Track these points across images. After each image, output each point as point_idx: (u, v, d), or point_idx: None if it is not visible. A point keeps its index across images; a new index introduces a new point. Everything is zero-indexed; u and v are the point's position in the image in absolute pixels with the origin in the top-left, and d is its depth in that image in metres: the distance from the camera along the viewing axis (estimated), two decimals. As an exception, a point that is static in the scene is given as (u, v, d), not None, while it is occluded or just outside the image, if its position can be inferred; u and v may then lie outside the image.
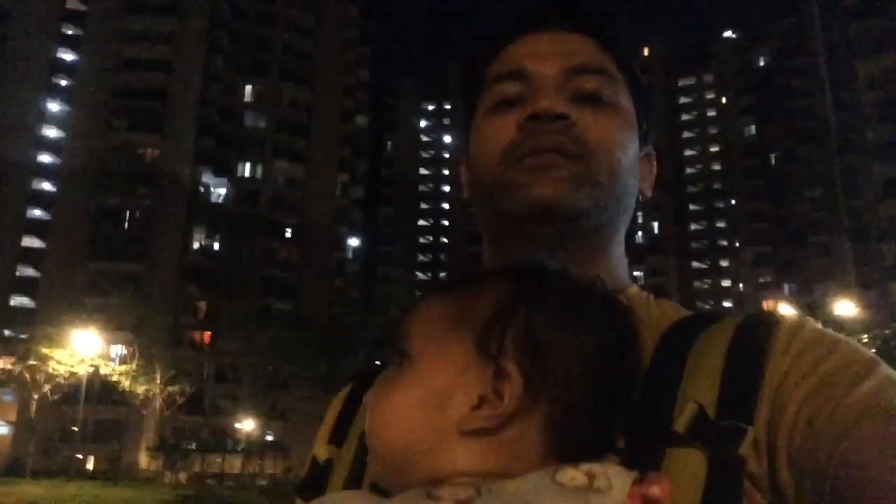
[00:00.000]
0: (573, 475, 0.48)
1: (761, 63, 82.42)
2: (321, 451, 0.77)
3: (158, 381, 38.47)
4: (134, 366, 34.96)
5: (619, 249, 0.79)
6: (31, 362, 33.53)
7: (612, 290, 0.65)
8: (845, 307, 31.74)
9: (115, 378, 34.40)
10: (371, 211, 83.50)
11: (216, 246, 59.86)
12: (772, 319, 0.64)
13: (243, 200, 62.17)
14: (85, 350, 30.92)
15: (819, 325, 0.65)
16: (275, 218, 62.94)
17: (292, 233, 64.05)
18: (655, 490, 0.47)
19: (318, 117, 67.41)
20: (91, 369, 32.59)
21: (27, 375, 34.49)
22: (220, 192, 62.04)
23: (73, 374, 32.03)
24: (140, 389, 36.87)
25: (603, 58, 0.77)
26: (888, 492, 0.49)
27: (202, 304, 55.96)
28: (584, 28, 0.79)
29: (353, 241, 73.65)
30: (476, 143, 0.79)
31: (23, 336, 40.03)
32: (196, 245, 58.51)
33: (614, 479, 0.48)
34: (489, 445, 0.52)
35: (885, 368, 0.58)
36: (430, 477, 0.53)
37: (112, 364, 34.46)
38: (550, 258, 0.62)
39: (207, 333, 55.07)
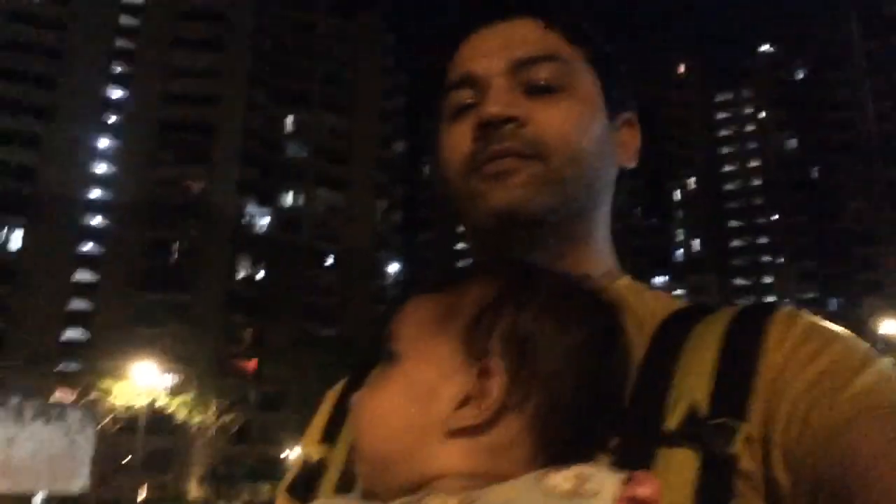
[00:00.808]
0: (562, 478, 0.47)
1: (800, 76, 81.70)
2: (312, 449, 0.76)
3: (213, 411, 39.40)
4: (190, 397, 35.87)
5: (601, 236, 0.78)
6: (93, 395, 34.67)
7: (601, 281, 0.67)
8: (892, 325, 31.29)
9: (171, 409, 35.33)
10: (410, 235, 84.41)
11: (260, 274, 61.18)
12: (766, 311, 0.63)
13: (286, 229, 63.48)
14: (144, 382, 31.93)
15: (815, 317, 0.63)
16: (316, 245, 64.12)
17: (334, 259, 65.16)
18: (643, 491, 0.47)
19: (357, 144, 68.69)
20: (149, 401, 33.60)
21: (88, 408, 35.67)
22: (263, 221, 63.47)
23: (131, 406, 33.04)
24: (196, 419, 37.83)
25: (550, 40, 0.75)
26: (884, 489, 0.49)
27: (248, 332, 57.13)
28: (528, 11, 0.77)
29: (393, 266, 74.51)
30: (440, 154, 0.78)
31: (79, 367, 41.23)
32: (241, 274, 59.89)
33: (603, 481, 0.47)
34: (476, 445, 0.52)
35: (882, 362, 0.57)
36: (417, 478, 0.52)
37: (168, 395, 35.40)
38: (531, 259, 0.63)
39: (253, 361, 56.15)
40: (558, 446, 0.53)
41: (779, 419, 0.56)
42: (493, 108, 0.71)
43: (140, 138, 58.50)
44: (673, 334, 0.64)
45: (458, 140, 0.75)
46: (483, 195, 0.71)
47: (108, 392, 33.88)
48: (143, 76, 60.60)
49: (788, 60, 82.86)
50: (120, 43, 62.13)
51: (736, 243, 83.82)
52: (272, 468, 48.54)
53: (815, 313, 0.60)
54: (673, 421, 0.57)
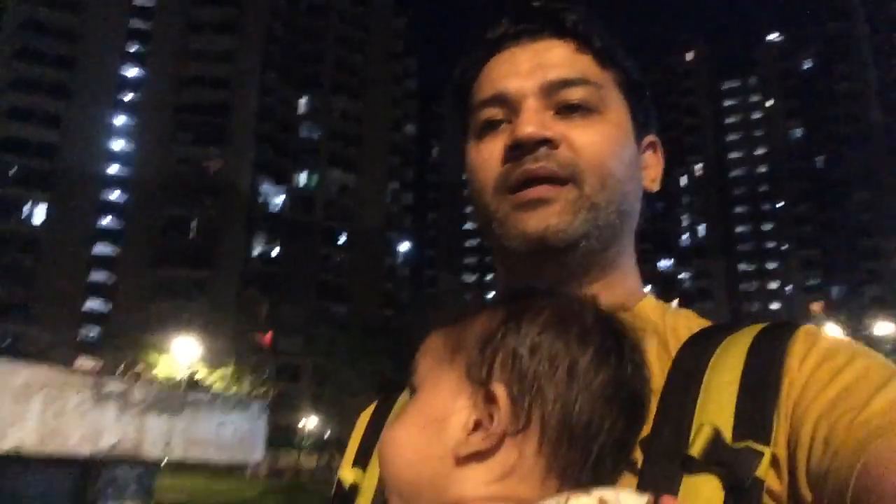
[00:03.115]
0: (584, 503, 0.46)
1: (806, 66, 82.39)
2: (346, 473, 0.75)
3: (247, 383, 40.69)
4: (230, 370, 37.04)
5: (627, 259, 0.77)
6: (138, 369, 35.78)
7: (624, 304, 0.70)
8: (888, 326, 31.18)
9: (210, 381, 36.32)
10: (419, 216, 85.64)
11: (275, 252, 62.54)
12: (788, 330, 0.63)
13: (300, 208, 64.78)
14: (184, 356, 32.75)
15: (836, 336, 0.63)
16: (329, 224, 65.47)
17: (346, 238, 66.51)
18: None
19: (368, 127, 69.83)
20: (188, 373, 34.57)
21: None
22: (278, 200, 64.74)
23: (172, 378, 34.02)
24: (232, 391, 39.21)
25: (582, 63, 0.74)
26: None
27: (263, 308, 58.56)
28: (559, 33, 0.76)
29: (403, 246, 75.79)
30: (469, 172, 0.77)
31: (100, 337, 42.21)
32: (256, 251, 61.24)
33: None
34: (490, 470, 0.52)
35: None
36: None
37: (207, 368, 36.22)
38: (544, 282, 0.63)
39: (269, 335, 57.61)
40: (575, 469, 0.52)
41: (802, 439, 0.55)
42: (528, 128, 0.70)
43: (157, 117, 59.72)
44: (695, 356, 0.63)
45: (488, 158, 0.74)
46: (517, 222, 0.71)
47: (153, 365, 35.03)
48: (160, 57, 61.72)
49: (796, 50, 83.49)
50: (136, 23, 63.17)
51: (741, 229, 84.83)
52: (290, 436, 50.12)
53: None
54: (697, 447, 0.56)
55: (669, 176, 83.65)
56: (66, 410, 4.87)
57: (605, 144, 0.72)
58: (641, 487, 0.55)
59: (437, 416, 0.55)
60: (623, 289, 0.75)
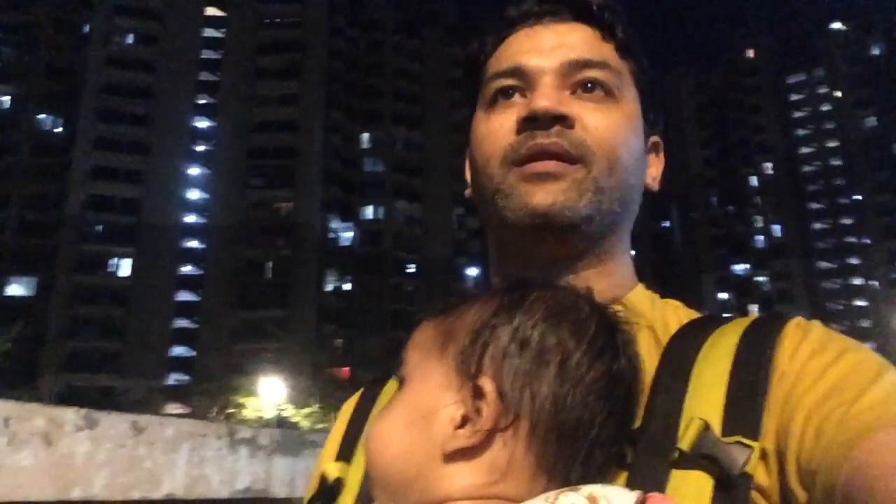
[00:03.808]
0: (574, 501, 0.46)
1: (874, 52, 79.79)
2: (330, 468, 0.73)
3: (333, 421, 41.52)
4: (316, 408, 37.87)
5: (623, 249, 0.77)
6: (230, 410, 36.98)
7: (615, 293, 0.70)
8: None
9: (297, 419, 37.15)
10: (485, 240, 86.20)
11: (348, 286, 63.87)
12: (778, 322, 0.63)
13: (368, 241, 66.10)
14: (271, 396, 33.75)
15: (827, 328, 0.62)
16: (398, 255, 66.53)
17: (415, 268, 67.43)
18: None
19: (430, 156, 70.92)
20: (276, 413, 35.51)
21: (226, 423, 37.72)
22: (347, 235, 66.24)
23: (261, 418, 34.94)
24: (318, 428, 40.05)
25: (604, 49, 0.75)
26: None
27: (339, 342, 59.75)
28: (583, 18, 0.76)
29: (472, 271, 76.19)
30: (475, 141, 0.76)
31: (181, 381, 43.49)
32: (330, 287, 62.68)
33: (616, 502, 0.46)
34: (477, 466, 0.51)
35: (894, 374, 0.56)
36: (426, 502, 0.52)
37: (294, 407, 37.05)
38: (545, 271, 0.64)
39: (346, 369, 58.68)
40: (565, 465, 0.52)
41: (792, 432, 0.54)
42: (545, 102, 0.69)
43: (230, 165, 62.15)
44: (684, 348, 0.63)
45: (498, 129, 0.73)
46: (523, 194, 0.69)
47: (241, 406, 36.23)
48: (229, 106, 64.31)
49: (861, 37, 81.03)
50: (205, 76, 66.04)
51: (818, 226, 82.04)
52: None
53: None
54: (686, 441, 0.55)
55: (739, 176, 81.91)
56: (207, 458, 5.41)
57: (617, 131, 0.72)
58: (631, 482, 0.54)
59: (425, 410, 0.54)
60: (615, 278, 0.74)
